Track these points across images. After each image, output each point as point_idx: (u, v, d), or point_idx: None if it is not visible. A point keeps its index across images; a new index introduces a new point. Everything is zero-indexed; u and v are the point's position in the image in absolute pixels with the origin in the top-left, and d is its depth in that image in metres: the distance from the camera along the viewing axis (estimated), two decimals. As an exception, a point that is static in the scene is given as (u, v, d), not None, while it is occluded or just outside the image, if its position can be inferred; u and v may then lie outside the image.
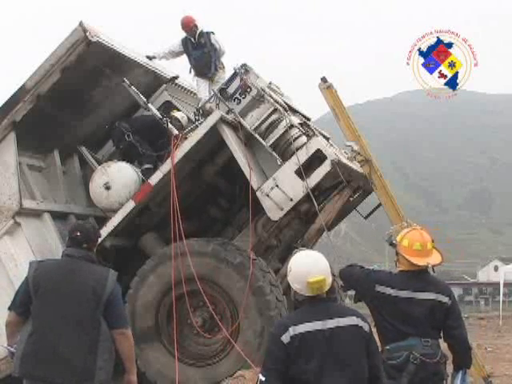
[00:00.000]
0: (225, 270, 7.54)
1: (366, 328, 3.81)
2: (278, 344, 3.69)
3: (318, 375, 3.66)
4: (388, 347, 4.75)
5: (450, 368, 4.99)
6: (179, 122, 8.93)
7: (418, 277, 4.90)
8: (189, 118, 9.24)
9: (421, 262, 4.88)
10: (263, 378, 3.68)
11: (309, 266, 3.81)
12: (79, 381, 4.42)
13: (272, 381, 3.66)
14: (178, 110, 9.55)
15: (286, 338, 3.68)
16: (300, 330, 3.69)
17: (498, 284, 35.15)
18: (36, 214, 8.25)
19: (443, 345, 4.96)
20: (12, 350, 4.68)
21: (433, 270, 5.06)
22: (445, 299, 4.87)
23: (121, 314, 4.69)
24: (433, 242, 5.01)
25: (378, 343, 4.24)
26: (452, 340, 4.93)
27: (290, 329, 3.69)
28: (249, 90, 8.20)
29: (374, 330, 4.10)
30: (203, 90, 9.54)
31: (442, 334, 4.95)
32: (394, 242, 5.07)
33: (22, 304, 4.63)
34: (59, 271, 4.66)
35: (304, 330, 3.70)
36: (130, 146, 8.75)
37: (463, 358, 4.97)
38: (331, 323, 3.73)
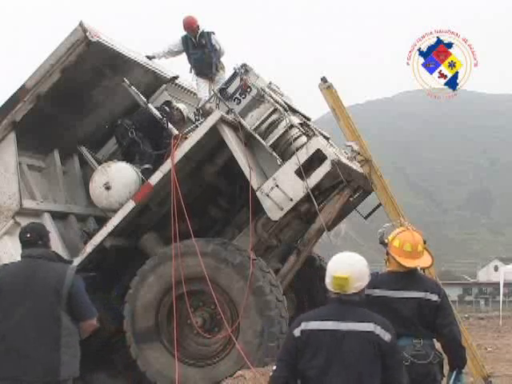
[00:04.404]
0: (225, 269, 7.54)
1: (386, 337, 3.76)
2: (290, 337, 3.85)
3: (321, 373, 3.72)
4: None
5: (446, 368, 4.94)
6: (181, 113, 8.93)
7: (405, 276, 4.85)
8: (189, 118, 9.25)
9: (410, 263, 4.84)
10: (274, 367, 3.85)
11: (340, 263, 3.89)
12: (44, 377, 4.49)
13: (280, 371, 3.80)
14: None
15: (297, 332, 3.81)
16: (311, 326, 3.78)
17: (498, 284, 35.06)
18: (36, 214, 8.26)
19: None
20: None
21: (423, 270, 5.00)
22: (433, 297, 4.79)
23: (86, 306, 4.71)
24: (425, 243, 4.96)
25: None
26: (442, 338, 4.82)
27: (303, 324, 3.81)
28: (249, 89, 8.20)
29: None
30: (203, 90, 9.54)
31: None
32: (385, 240, 5.04)
33: None
34: (20, 272, 4.69)
35: (314, 327, 3.78)
36: (132, 142, 8.77)
37: (455, 358, 4.85)
38: (344, 325, 3.75)
